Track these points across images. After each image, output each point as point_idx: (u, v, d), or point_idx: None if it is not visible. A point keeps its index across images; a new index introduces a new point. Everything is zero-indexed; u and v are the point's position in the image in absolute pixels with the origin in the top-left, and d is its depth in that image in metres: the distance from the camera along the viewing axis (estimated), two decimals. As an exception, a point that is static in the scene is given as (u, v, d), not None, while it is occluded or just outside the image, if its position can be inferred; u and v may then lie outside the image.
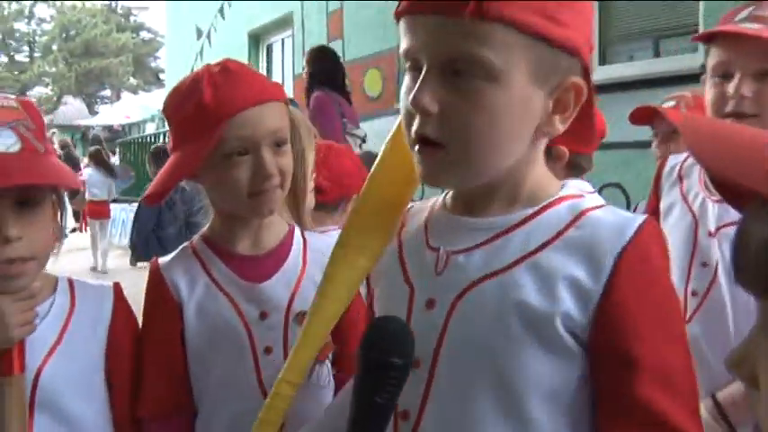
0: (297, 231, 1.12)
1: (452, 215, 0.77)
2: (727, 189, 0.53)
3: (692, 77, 3.08)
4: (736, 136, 0.54)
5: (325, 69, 3.79)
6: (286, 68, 7.18)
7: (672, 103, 2.16)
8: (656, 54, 3.60)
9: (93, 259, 7.95)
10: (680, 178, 1.43)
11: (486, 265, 0.70)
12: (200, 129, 0.97)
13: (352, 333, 1.07)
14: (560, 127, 0.72)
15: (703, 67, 3.23)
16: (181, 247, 1.09)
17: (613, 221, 0.69)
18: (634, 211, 3.07)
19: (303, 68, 3.99)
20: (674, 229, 1.38)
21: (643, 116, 1.98)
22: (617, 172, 3.43)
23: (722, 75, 1.25)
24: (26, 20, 29.13)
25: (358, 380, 0.66)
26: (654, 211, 1.48)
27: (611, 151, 3.06)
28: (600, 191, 2.62)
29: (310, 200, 1.31)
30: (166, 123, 1.07)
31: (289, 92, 6.61)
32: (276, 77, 7.51)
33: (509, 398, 0.68)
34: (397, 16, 0.71)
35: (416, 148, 0.71)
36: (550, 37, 0.66)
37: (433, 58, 0.68)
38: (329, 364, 1.07)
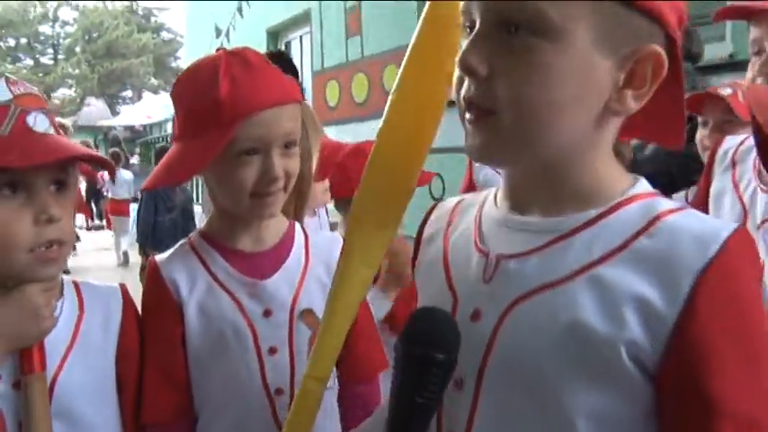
0: (297, 227, 1.08)
1: (505, 213, 0.67)
2: None
3: (721, 67, 3.01)
4: None
5: None
6: (304, 65, 7.17)
7: (729, 91, 2.03)
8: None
9: (116, 256, 8.18)
10: (733, 163, 1.35)
11: (540, 274, 0.61)
12: (213, 124, 0.92)
13: (354, 334, 1.02)
14: (633, 104, 0.61)
15: (731, 56, 3.15)
16: (179, 244, 1.05)
17: (695, 231, 0.57)
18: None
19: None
20: (722, 217, 1.31)
21: (694, 103, 1.89)
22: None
23: (756, 52, 1.22)
24: (50, 23, 29.59)
25: (397, 377, 0.60)
26: (704, 194, 1.41)
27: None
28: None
29: (313, 197, 1.27)
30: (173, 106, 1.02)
31: (308, 88, 6.59)
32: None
33: (560, 427, 0.59)
34: None
35: (466, 116, 0.62)
36: None
37: (486, 14, 0.60)
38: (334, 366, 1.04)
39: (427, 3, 0.77)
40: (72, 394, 0.91)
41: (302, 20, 6.83)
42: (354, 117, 5.65)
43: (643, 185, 0.64)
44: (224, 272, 1.00)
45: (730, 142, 1.40)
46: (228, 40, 8.45)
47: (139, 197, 5.69)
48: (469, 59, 0.60)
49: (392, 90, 0.78)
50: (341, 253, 0.80)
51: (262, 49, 7.46)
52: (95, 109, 26.60)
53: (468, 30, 0.63)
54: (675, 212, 0.60)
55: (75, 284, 0.99)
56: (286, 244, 1.05)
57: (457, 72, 0.63)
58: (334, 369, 1.03)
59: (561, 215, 0.63)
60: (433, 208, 0.80)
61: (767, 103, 0.51)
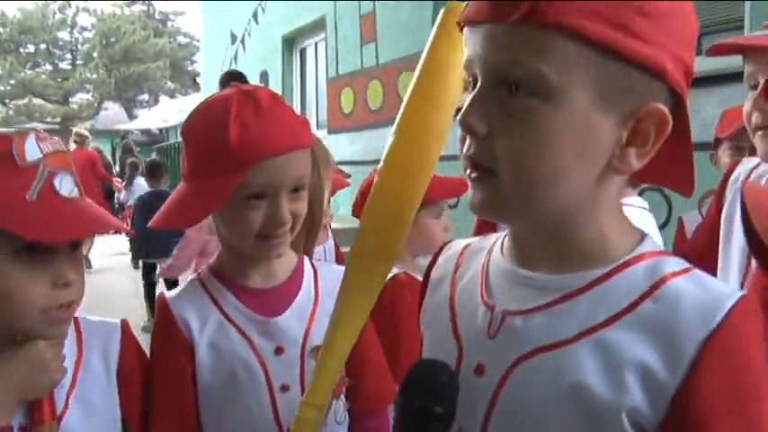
0: (306, 262, 1.09)
1: (511, 265, 0.67)
2: None
3: (736, 76, 2.98)
4: None
5: None
6: (320, 72, 7.20)
7: None
8: (699, 52, 3.48)
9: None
10: None
11: (545, 333, 0.61)
12: (222, 168, 0.92)
13: (364, 367, 1.06)
14: (636, 163, 0.60)
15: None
16: (188, 280, 1.05)
17: (699, 299, 0.57)
18: (668, 218, 2.96)
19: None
20: (731, 245, 1.29)
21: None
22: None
23: (752, 86, 1.20)
24: (69, 29, 29.95)
25: (396, 427, 0.61)
26: (716, 216, 1.38)
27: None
28: (640, 194, 2.54)
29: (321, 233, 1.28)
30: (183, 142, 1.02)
31: (322, 95, 6.63)
32: (310, 81, 7.55)
33: None
34: (460, 27, 0.64)
35: (468, 174, 0.63)
36: (621, 51, 0.56)
37: (485, 72, 0.60)
38: (344, 399, 1.03)
39: (428, 45, 0.78)
40: None
41: (317, 26, 6.87)
42: (369, 124, 5.67)
43: (650, 243, 0.64)
44: (234, 309, 1.00)
45: (745, 165, 1.37)
46: (244, 47, 8.52)
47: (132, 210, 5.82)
48: (469, 119, 0.60)
49: (393, 130, 0.79)
50: (341, 285, 0.81)
51: (277, 55, 7.50)
52: (113, 113, 26.88)
53: (471, 84, 0.63)
54: (680, 275, 0.60)
55: (75, 320, 0.98)
56: (296, 280, 1.05)
57: (460, 132, 0.63)
58: (345, 402, 1.04)
59: (566, 273, 0.63)
60: (441, 249, 0.81)
61: (765, 208, 0.52)
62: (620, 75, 0.57)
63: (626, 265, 0.61)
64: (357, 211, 1.69)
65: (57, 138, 0.91)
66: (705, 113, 3.02)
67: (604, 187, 0.62)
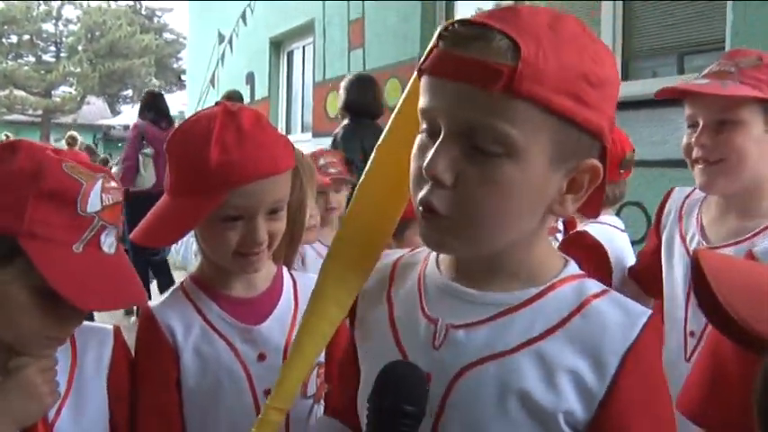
0: (285, 272, 1.12)
1: (450, 282, 0.73)
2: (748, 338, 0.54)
3: (717, 96, 3.04)
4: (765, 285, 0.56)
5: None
6: (306, 75, 7.20)
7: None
8: (681, 71, 3.54)
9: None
10: (680, 217, 1.46)
11: (487, 345, 0.68)
12: (201, 188, 0.94)
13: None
14: (571, 208, 0.70)
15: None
16: (171, 290, 1.07)
17: (619, 317, 0.67)
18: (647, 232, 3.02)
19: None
20: (672, 270, 1.43)
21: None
22: (638, 191, 3.38)
23: (691, 125, 1.38)
24: (54, 21, 29.61)
25: (369, 427, 0.65)
26: (654, 249, 1.53)
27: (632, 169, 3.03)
28: (620, 210, 2.58)
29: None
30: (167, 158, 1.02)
31: (308, 99, 6.61)
32: (296, 84, 7.54)
33: None
34: (420, 73, 0.68)
35: (420, 212, 0.68)
36: (578, 119, 0.64)
37: (452, 125, 0.65)
38: (323, 404, 1.06)
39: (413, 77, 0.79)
40: None
41: (305, 30, 6.87)
42: (354, 128, 5.66)
43: (572, 267, 0.73)
44: (218, 317, 1.02)
45: (678, 194, 1.52)
46: (231, 48, 8.49)
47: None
48: (436, 167, 0.64)
49: (378, 142, 0.82)
50: (313, 290, 0.83)
51: (264, 58, 7.48)
52: (95, 108, 26.62)
53: (426, 130, 0.68)
54: (600, 296, 0.70)
55: None
56: (276, 289, 1.08)
57: (416, 169, 0.68)
58: (323, 408, 1.06)
59: (505, 291, 0.70)
60: None
61: (728, 273, 0.56)
62: (573, 138, 0.65)
63: (554, 285, 0.70)
64: None
65: (117, 185, 0.90)
66: (684, 132, 3.07)
67: (541, 226, 0.71)
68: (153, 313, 1.03)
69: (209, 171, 0.93)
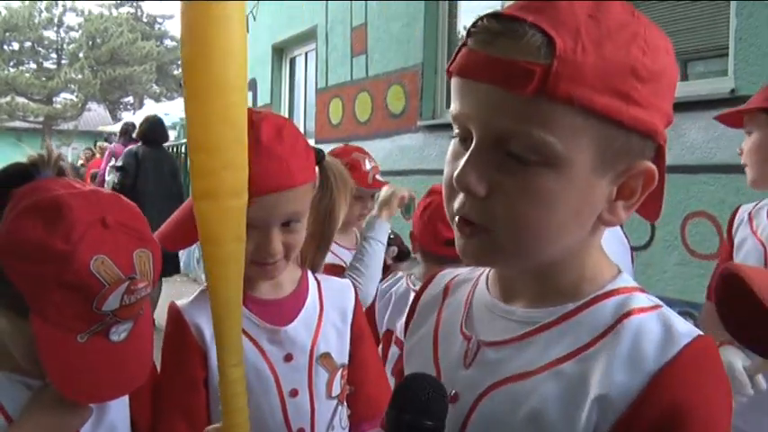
0: (310, 275, 1.13)
1: (492, 298, 0.69)
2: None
3: (721, 101, 3.05)
4: None
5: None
6: (309, 82, 7.21)
7: None
8: (684, 77, 3.55)
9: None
10: (750, 218, 1.66)
11: (514, 364, 0.63)
12: None
13: (363, 374, 1.11)
14: (623, 215, 0.62)
15: (733, 91, 3.17)
16: (199, 290, 1.08)
17: (657, 335, 0.59)
18: (651, 238, 3.01)
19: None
20: (746, 259, 1.60)
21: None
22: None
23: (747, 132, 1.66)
24: (55, 28, 29.70)
25: None
26: (727, 257, 1.69)
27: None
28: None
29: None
30: None
31: (311, 106, 6.60)
32: (298, 90, 7.56)
33: None
34: (449, 74, 0.63)
35: (456, 224, 0.63)
36: (625, 119, 0.57)
37: (485, 133, 0.59)
38: (346, 405, 1.08)
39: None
40: None
41: (308, 37, 6.88)
42: (356, 136, 5.68)
43: (623, 279, 0.65)
44: (245, 318, 1.02)
45: (744, 207, 1.74)
46: (233, 53, 8.50)
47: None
48: (468, 179, 0.59)
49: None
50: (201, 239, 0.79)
51: (267, 64, 7.48)
52: (96, 114, 26.67)
53: (458, 137, 0.63)
54: (646, 312, 0.61)
55: None
56: (302, 291, 1.09)
57: (448, 179, 0.63)
58: (347, 408, 1.07)
59: (543, 308, 0.64)
60: (433, 276, 0.82)
61: (760, 274, 0.55)
62: (620, 140, 0.58)
63: (596, 300, 0.63)
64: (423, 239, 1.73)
65: (145, 284, 0.85)
66: (689, 138, 3.08)
67: (592, 235, 0.64)
68: (181, 313, 1.04)
69: None
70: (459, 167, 0.60)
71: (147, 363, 0.90)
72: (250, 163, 0.92)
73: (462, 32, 5.93)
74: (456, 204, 0.62)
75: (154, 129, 5.48)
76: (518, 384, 0.62)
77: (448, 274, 0.80)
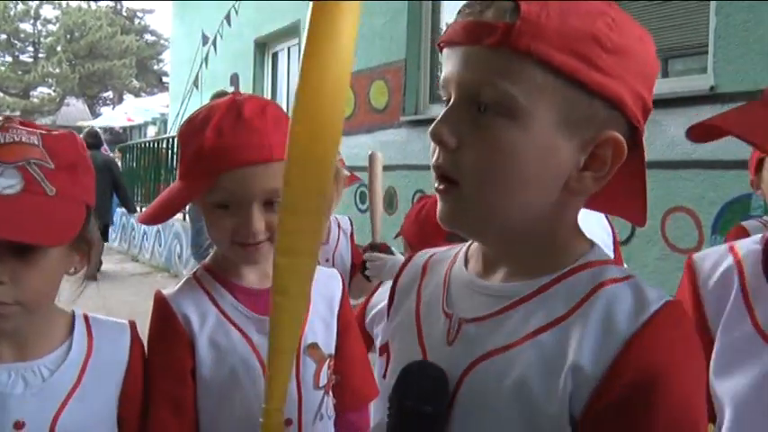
0: None
1: (470, 275, 0.72)
2: None
3: (701, 99, 3.09)
4: None
5: None
6: (291, 77, 7.18)
7: None
8: (665, 74, 3.59)
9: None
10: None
11: (494, 338, 0.65)
12: (196, 171, 0.98)
13: (349, 365, 1.11)
14: (592, 186, 0.65)
15: (712, 88, 3.22)
16: (185, 279, 1.07)
17: (629, 302, 0.61)
18: (632, 234, 3.03)
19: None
20: None
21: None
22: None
23: None
24: (32, 20, 29.22)
25: (390, 427, 0.65)
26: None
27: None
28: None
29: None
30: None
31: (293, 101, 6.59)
32: (281, 86, 7.52)
33: None
34: (440, 48, 0.68)
35: (436, 186, 0.67)
36: (584, 81, 0.61)
37: (459, 90, 0.65)
38: (331, 395, 1.08)
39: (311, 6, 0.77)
40: None
41: (291, 31, 6.85)
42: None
43: (597, 252, 0.68)
44: (232, 307, 1.03)
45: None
46: (215, 49, 8.43)
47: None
48: (440, 131, 0.64)
49: (294, 101, 0.78)
50: (273, 286, 0.80)
51: (249, 59, 7.43)
52: (75, 109, 26.32)
53: (446, 102, 0.68)
54: (619, 281, 0.63)
55: (86, 319, 0.99)
56: None
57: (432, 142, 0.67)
58: (332, 398, 1.08)
59: (519, 281, 0.67)
60: (409, 258, 0.84)
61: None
62: (583, 103, 0.62)
63: (572, 272, 0.65)
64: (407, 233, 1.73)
65: (27, 128, 0.88)
66: (669, 134, 3.11)
67: (564, 206, 0.67)
68: (168, 302, 1.02)
69: (202, 153, 0.96)
70: (435, 121, 0.65)
71: (53, 226, 0.86)
72: (229, 136, 0.96)
73: (445, 28, 5.97)
74: (433, 159, 0.66)
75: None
76: (500, 357, 0.64)
77: (424, 253, 0.82)
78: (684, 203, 3.03)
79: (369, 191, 1.90)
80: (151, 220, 1.03)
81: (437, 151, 0.66)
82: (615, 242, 1.60)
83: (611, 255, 1.55)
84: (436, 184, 0.67)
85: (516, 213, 0.65)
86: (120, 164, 10.91)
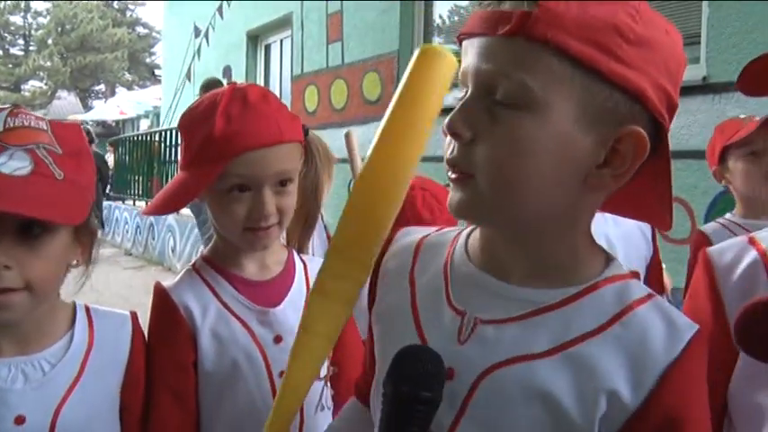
0: (296, 255, 1.13)
1: (480, 271, 0.68)
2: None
3: (694, 88, 3.09)
4: None
5: None
6: (284, 69, 7.15)
7: None
8: (658, 64, 3.59)
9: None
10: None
11: (517, 344, 0.63)
12: (206, 158, 0.97)
13: (347, 356, 1.10)
14: (612, 183, 0.62)
15: (705, 78, 3.22)
16: (185, 270, 1.07)
17: (664, 328, 0.62)
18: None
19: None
20: None
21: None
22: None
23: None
24: (22, 13, 28.98)
25: (385, 412, 0.62)
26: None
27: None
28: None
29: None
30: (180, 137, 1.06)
31: (286, 93, 6.59)
32: (274, 78, 7.48)
33: None
34: (460, 42, 0.66)
35: (448, 176, 0.65)
36: (604, 72, 0.58)
37: (475, 81, 0.63)
38: (330, 386, 1.08)
39: (405, 86, 0.75)
40: (75, 427, 0.91)
41: (283, 24, 6.81)
42: (332, 123, 5.66)
43: (616, 267, 0.67)
44: (233, 299, 1.03)
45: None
46: (208, 41, 8.38)
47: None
48: (456, 123, 0.62)
49: (371, 146, 0.76)
50: (303, 316, 0.78)
51: (241, 51, 7.41)
52: (66, 103, 26.14)
53: (465, 94, 0.65)
54: (645, 302, 0.64)
55: (87, 310, 0.98)
56: (289, 272, 1.09)
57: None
58: (330, 389, 1.08)
59: (539, 288, 0.65)
60: (393, 236, 0.79)
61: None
62: (602, 95, 0.59)
63: (596, 286, 0.64)
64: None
65: (35, 116, 0.88)
66: (663, 124, 3.11)
67: (580, 205, 0.64)
68: (169, 293, 1.02)
69: (212, 140, 0.96)
70: (451, 113, 0.63)
71: (63, 206, 0.86)
72: (238, 121, 0.96)
73: (438, 20, 5.91)
74: (448, 152, 0.64)
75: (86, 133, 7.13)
76: (525, 365, 0.62)
77: (411, 232, 0.79)
78: (677, 193, 3.04)
79: (351, 168, 1.88)
80: (160, 210, 1.02)
81: (452, 144, 0.64)
82: (653, 236, 1.48)
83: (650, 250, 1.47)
84: (449, 174, 0.65)
85: (532, 207, 0.62)
86: (112, 157, 10.87)
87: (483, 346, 0.64)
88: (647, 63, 0.59)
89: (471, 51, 0.63)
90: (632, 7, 0.60)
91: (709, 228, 1.91)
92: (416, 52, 0.76)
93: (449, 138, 0.64)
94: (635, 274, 0.68)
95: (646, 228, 1.45)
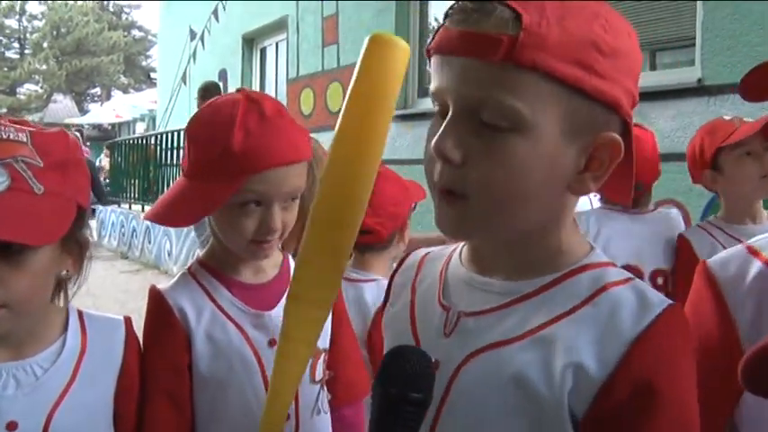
0: (290, 259, 1.13)
1: (467, 271, 0.72)
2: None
3: (689, 91, 3.10)
4: None
5: None
6: (280, 72, 7.14)
7: None
8: (653, 67, 3.60)
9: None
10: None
11: (493, 332, 0.66)
12: (223, 173, 0.95)
13: (343, 359, 1.12)
14: (592, 186, 0.66)
15: (700, 80, 3.22)
16: (180, 273, 1.07)
17: (633, 305, 0.62)
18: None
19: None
20: None
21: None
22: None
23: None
24: (17, 16, 28.92)
25: (374, 414, 0.63)
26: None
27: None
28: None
29: None
30: (185, 140, 1.03)
31: (282, 96, 6.58)
32: (269, 81, 7.48)
33: None
34: (428, 54, 0.67)
35: (437, 197, 0.66)
36: (586, 89, 0.61)
37: (460, 103, 0.63)
38: (326, 390, 1.09)
39: (358, 75, 0.75)
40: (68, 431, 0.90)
41: (279, 26, 6.82)
42: (328, 126, 5.65)
43: (597, 255, 0.69)
44: (228, 302, 1.03)
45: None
46: (203, 44, 8.38)
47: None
48: (443, 145, 0.63)
49: (329, 147, 0.77)
50: (281, 330, 0.80)
51: (237, 54, 7.41)
52: (62, 106, 26.09)
53: (438, 112, 0.66)
54: (621, 284, 0.65)
55: (81, 315, 0.98)
56: (284, 276, 1.08)
57: (429, 152, 0.66)
58: (327, 393, 1.08)
59: (521, 280, 0.67)
60: (405, 257, 0.85)
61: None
62: (584, 109, 0.62)
63: (573, 273, 0.66)
64: None
65: (21, 126, 0.86)
66: (658, 126, 3.12)
67: (563, 206, 0.68)
68: (164, 296, 1.02)
69: (232, 155, 0.93)
70: (437, 136, 0.63)
71: (39, 225, 0.83)
72: (257, 136, 0.95)
73: (433, 23, 5.91)
74: (435, 175, 0.65)
75: None
76: (499, 350, 0.65)
77: (421, 251, 0.83)
78: (673, 196, 3.04)
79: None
80: (175, 222, 1.01)
81: (439, 168, 0.64)
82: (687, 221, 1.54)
83: None
84: (438, 197, 0.66)
85: (523, 221, 0.65)
86: (108, 161, 10.84)
87: (464, 337, 0.68)
88: (619, 72, 0.63)
89: (449, 71, 0.64)
90: (602, 17, 0.63)
91: (688, 231, 1.93)
92: (366, 41, 0.75)
93: (429, 160, 0.65)
94: (624, 268, 0.69)
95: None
